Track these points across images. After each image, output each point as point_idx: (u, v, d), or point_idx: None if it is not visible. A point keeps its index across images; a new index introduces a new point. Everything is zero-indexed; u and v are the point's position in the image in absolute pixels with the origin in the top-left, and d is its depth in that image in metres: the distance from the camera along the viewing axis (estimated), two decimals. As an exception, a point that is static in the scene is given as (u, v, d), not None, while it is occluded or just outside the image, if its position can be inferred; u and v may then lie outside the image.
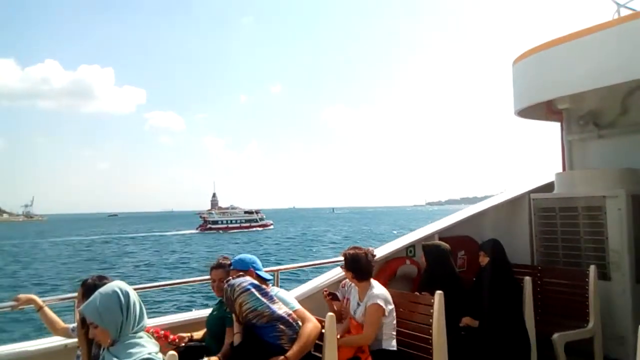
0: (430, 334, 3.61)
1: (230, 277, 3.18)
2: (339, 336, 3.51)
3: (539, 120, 6.33)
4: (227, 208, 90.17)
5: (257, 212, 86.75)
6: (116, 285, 2.48)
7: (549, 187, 5.85)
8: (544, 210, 5.60)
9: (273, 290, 3.36)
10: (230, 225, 79.79)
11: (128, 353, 2.38)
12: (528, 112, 5.76)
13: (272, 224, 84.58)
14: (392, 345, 3.70)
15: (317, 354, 3.14)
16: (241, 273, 3.26)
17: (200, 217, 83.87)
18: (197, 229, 79.09)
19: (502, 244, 4.62)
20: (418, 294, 3.96)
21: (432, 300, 3.67)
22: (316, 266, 5.77)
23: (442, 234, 5.37)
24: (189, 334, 3.67)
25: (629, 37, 4.35)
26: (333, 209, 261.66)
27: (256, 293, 3.01)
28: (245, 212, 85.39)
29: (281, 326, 2.96)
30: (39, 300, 3.47)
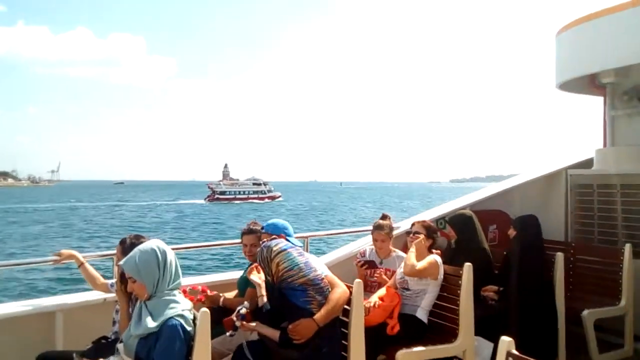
0: (458, 305, 3.63)
1: (265, 240, 3.24)
2: (372, 303, 3.60)
3: (581, 94, 6.14)
4: (237, 179, 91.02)
5: (265, 183, 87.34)
6: (155, 243, 2.60)
7: (587, 163, 5.71)
8: (582, 187, 5.49)
9: (303, 255, 3.41)
10: (237, 196, 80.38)
11: (162, 308, 2.49)
12: (570, 85, 5.58)
13: (280, 196, 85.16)
14: (424, 318, 3.76)
15: (344, 318, 3.20)
16: (274, 237, 3.32)
17: (209, 187, 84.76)
18: (205, 199, 79.93)
19: (538, 219, 4.55)
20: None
21: (461, 272, 3.68)
22: (347, 234, 5.82)
23: (474, 207, 5.32)
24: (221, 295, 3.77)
25: None
26: (341, 183, 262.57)
27: (293, 253, 3.06)
28: (254, 184, 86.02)
29: (311, 291, 3.01)
30: (80, 256, 3.61)
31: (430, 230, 4.07)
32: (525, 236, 4.34)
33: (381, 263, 4.18)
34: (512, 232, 4.45)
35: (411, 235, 4.11)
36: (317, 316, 2.97)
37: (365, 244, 4.68)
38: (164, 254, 2.57)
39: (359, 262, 4.22)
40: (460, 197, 5.57)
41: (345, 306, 3.17)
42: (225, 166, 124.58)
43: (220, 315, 3.20)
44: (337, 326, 3.14)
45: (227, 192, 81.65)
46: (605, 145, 5.92)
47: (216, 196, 79.83)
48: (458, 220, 4.47)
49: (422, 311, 3.76)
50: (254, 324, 3.03)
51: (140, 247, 2.60)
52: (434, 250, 3.98)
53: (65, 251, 3.64)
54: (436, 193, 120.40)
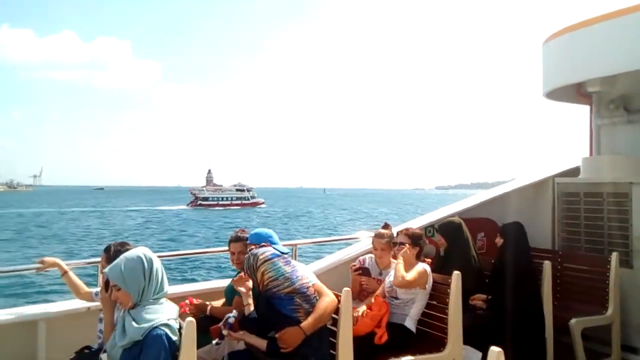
0: (447, 314, 3.62)
1: (253, 247, 3.21)
2: (360, 312, 3.57)
3: (568, 103, 6.19)
4: (220, 185, 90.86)
5: (248, 189, 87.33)
6: (141, 251, 2.56)
7: (574, 171, 5.75)
8: (568, 195, 5.51)
9: (291, 263, 3.38)
10: (220, 202, 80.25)
11: (147, 317, 2.44)
12: (557, 94, 5.63)
13: (263, 202, 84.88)
14: (412, 327, 3.74)
15: (333, 328, 3.18)
16: (261, 245, 3.29)
17: (191, 193, 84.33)
18: (187, 205, 79.56)
19: (524, 227, 4.56)
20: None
21: (449, 280, 3.67)
22: (334, 242, 5.80)
23: (462, 215, 5.32)
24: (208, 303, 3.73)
25: None
26: (324, 189, 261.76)
27: (279, 262, 3.03)
28: (237, 190, 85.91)
29: (298, 300, 2.98)
30: (63, 264, 3.54)
31: (415, 239, 3.98)
32: (512, 244, 4.34)
33: (380, 274, 4.13)
34: (499, 241, 4.46)
35: (397, 246, 4.06)
36: (304, 324, 2.94)
37: (355, 251, 4.66)
38: (150, 262, 2.53)
39: (354, 266, 4.14)
40: (449, 205, 5.57)
41: (334, 315, 3.15)
42: (209, 172, 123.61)
43: (207, 324, 3.16)
44: (325, 335, 3.11)
45: (210, 198, 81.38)
46: (591, 153, 5.97)
47: (199, 202, 79.50)
48: (448, 228, 4.47)
49: (411, 320, 3.74)
50: (241, 333, 2.99)
51: (126, 254, 2.56)
52: (424, 259, 3.97)
53: (48, 259, 3.57)
54: (417, 200, 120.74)
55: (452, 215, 5.27)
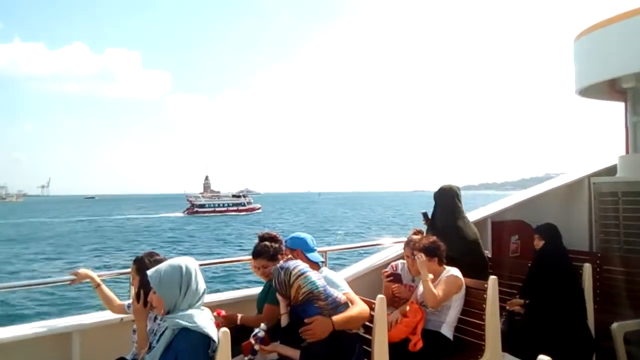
0: (484, 320, 3.52)
1: (289, 257, 3.17)
2: (395, 319, 3.51)
3: (601, 100, 6.02)
4: (218, 191, 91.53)
5: (244, 195, 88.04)
6: (184, 261, 2.57)
7: (610, 170, 5.58)
8: (606, 195, 5.35)
9: (322, 271, 3.33)
10: (217, 209, 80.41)
11: (181, 322, 2.42)
12: (590, 91, 5.48)
13: (260, 208, 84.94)
14: (449, 334, 3.63)
15: (367, 335, 3.12)
16: (290, 257, 3.26)
17: (188, 200, 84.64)
18: (184, 212, 79.88)
19: (559, 229, 4.42)
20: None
21: (485, 285, 3.57)
22: (366, 247, 5.73)
23: (495, 218, 5.22)
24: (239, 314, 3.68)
25: None
26: (319, 193, 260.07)
27: (312, 276, 2.98)
28: (233, 196, 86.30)
29: (326, 312, 2.93)
30: (96, 277, 3.56)
31: (429, 250, 3.74)
32: (553, 246, 4.21)
33: (413, 280, 4.05)
34: (538, 243, 4.31)
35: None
36: (335, 317, 2.90)
37: (385, 257, 4.60)
38: (189, 274, 2.52)
39: (386, 272, 4.07)
40: (480, 208, 5.44)
41: (368, 323, 3.09)
42: (206, 178, 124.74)
43: (239, 334, 3.12)
44: (359, 343, 3.06)
45: (206, 205, 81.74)
46: (627, 151, 5.79)
47: (195, 209, 79.83)
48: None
49: (447, 327, 3.63)
50: (272, 345, 2.94)
51: (171, 261, 2.57)
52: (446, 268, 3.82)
53: (82, 271, 3.59)
54: (409, 203, 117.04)
55: (484, 218, 5.16)
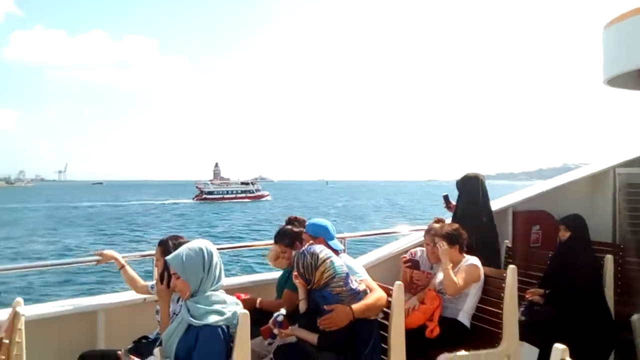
0: (501, 309, 3.52)
1: (311, 243, 3.20)
2: (412, 305, 3.54)
3: (630, 90, 5.88)
4: (227, 178, 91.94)
5: (253, 183, 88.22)
6: (203, 243, 2.63)
7: (636, 161, 5.48)
8: (631, 186, 5.27)
9: (341, 257, 3.36)
10: (225, 196, 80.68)
11: (204, 308, 2.49)
12: (619, 80, 5.35)
13: (268, 195, 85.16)
14: (466, 321, 3.65)
15: (384, 321, 3.16)
16: (311, 242, 3.29)
17: (197, 187, 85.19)
18: (193, 198, 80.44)
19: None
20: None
21: (504, 274, 3.56)
22: (385, 235, 5.75)
23: (517, 208, 5.18)
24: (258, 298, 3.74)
25: None
26: (327, 182, 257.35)
27: (336, 262, 3.01)
28: (242, 183, 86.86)
29: (345, 299, 2.97)
30: (121, 258, 3.66)
31: (451, 237, 3.75)
32: (579, 238, 4.17)
33: (432, 268, 4.07)
34: (564, 234, 4.25)
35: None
36: (354, 306, 2.93)
37: (404, 244, 4.61)
38: (210, 254, 2.59)
39: (404, 258, 4.09)
40: (502, 197, 5.40)
41: (385, 309, 3.12)
42: (216, 165, 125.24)
43: (258, 316, 3.18)
44: (376, 329, 3.09)
45: (215, 192, 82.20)
46: None
47: (204, 196, 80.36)
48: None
49: (465, 314, 3.65)
50: (291, 328, 3.00)
51: (188, 245, 2.63)
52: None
53: (107, 252, 3.69)
54: (410, 193, 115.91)
55: (506, 208, 5.13)
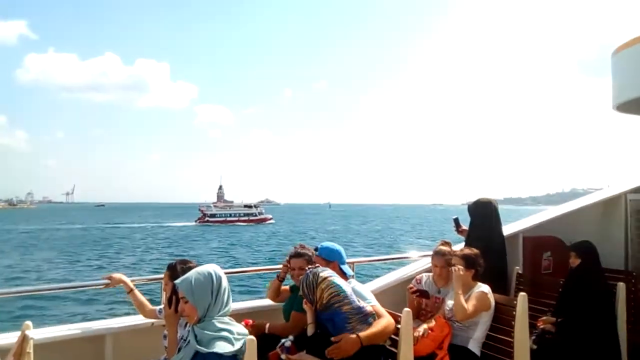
0: (512, 337, 3.47)
1: (317, 265, 3.18)
2: (421, 332, 3.49)
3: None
4: (231, 201, 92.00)
5: (256, 206, 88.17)
6: (212, 268, 2.63)
7: None
8: None
9: (350, 282, 3.35)
10: (228, 219, 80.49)
11: (211, 334, 2.48)
12: (629, 106, 5.36)
13: (271, 219, 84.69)
14: (477, 350, 3.60)
15: (393, 349, 3.12)
16: (322, 264, 3.27)
17: (200, 210, 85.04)
18: (195, 221, 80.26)
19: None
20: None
21: (514, 302, 3.52)
22: (393, 260, 5.72)
23: (527, 233, 5.14)
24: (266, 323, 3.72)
25: None
26: (330, 205, 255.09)
27: (339, 281, 3.01)
28: (245, 206, 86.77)
29: (353, 320, 2.94)
30: (129, 282, 3.66)
31: (469, 260, 3.75)
32: (589, 265, 4.12)
33: (439, 292, 4.04)
34: (575, 261, 4.20)
35: (451, 268, 3.90)
36: (362, 334, 2.90)
37: (412, 270, 4.58)
38: (219, 280, 2.59)
39: (412, 288, 4.06)
40: (513, 223, 5.37)
41: (394, 336, 3.09)
42: (220, 188, 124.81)
43: (266, 342, 3.16)
44: (384, 356, 3.06)
45: (218, 215, 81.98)
46: None
47: (206, 219, 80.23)
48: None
49: (475, 342, 3.60)
50: (299, 354, 2.97)
51: (198, 269, 2.63)
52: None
53: (115, 275, 3.70)
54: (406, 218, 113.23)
55: (516, 233, 5.09)
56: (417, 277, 4.23)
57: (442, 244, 4.17)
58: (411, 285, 4.11)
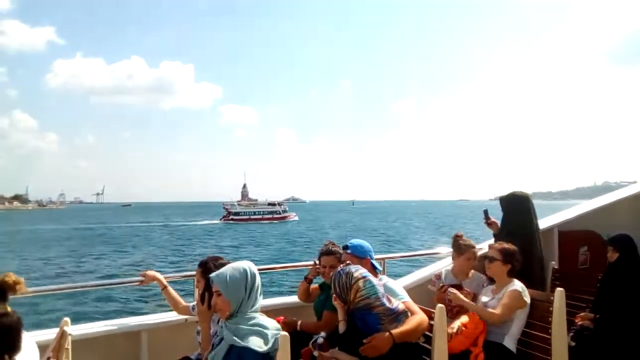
0: (550, 334, 3.39)
1: (348, 262, 3.17)
2: (455, 329, 3.43)
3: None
4: (255, 199, 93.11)
5: (280, 204, 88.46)
6: (247, 264, 2.66)
7: None
8: None
9: (382, 279, 3.32)
10: (252, 217, 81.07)
11: (244, 329, 2.49)
12: None
13: (295, 216, 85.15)
14: (512, 347, 3.53)
15: (427, 345, 3.08)
16: (349, 262, 3.25)
17: (224, 208, 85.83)
18: (220, 219, 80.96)
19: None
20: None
21: (552, 298, 3.44)
22: (423, 256, 5.66)
23: (562, 227, 5.02)
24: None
25: None
26: (353, 202, 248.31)
27: (373, 281, 2.99)
28: (269, 204, 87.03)
29: (385, 321, 2.91)
30: (163, 279, 3.72)
31: (507, 255, 3.69)
32: (629, 259, 3.99)
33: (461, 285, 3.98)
34: (612, 255, 4.09)
35: (487, 261, 3.84)
36: (394, 331, 2.88)
37: (443, 266, 4.52)
38: (253, 276, 2.61)
39: (434, 283, 4.05)
40: (548, 217, 5.24)
41: (428, 333, 3.05)
42: (244, 186, 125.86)
43: (298, 338, 3.16)
44: (418, 353, 3.02)
45: (242, 213, 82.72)
46: None
47: (231, 217, 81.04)
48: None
49: (510, 339, 3.52)
50: (331, 351, 2.96)
51: (233, 264, 2.66)
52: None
53: (150, 273, 3.76)
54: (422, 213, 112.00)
55: (551, 227, 4.97)
56: (436, 273, 4.19)
57: (455, 237, 4.15)
58: (433, 281, 4.09)
